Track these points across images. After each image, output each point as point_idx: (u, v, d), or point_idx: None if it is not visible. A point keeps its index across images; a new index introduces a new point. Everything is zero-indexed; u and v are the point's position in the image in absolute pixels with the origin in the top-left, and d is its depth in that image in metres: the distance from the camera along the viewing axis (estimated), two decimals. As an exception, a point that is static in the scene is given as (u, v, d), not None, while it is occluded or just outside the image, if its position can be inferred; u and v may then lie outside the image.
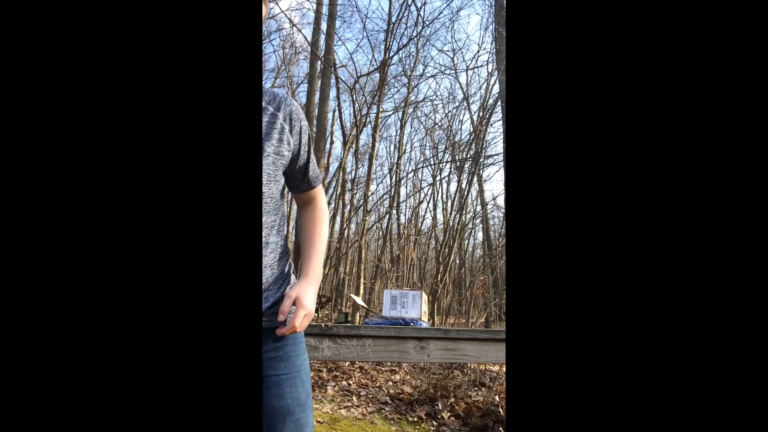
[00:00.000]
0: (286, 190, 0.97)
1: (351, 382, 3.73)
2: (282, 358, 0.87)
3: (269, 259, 0.87)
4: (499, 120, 6.47)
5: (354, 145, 6.18)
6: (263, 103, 0.85)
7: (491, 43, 6.47)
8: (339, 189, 6.94)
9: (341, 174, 6.78)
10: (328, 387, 3.51)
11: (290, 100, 0.89)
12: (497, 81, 5.91)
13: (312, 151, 0.95)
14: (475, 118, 6.72)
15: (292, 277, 0.95)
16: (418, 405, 3.06)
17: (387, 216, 7.44)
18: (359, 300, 3.22)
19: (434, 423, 2.83)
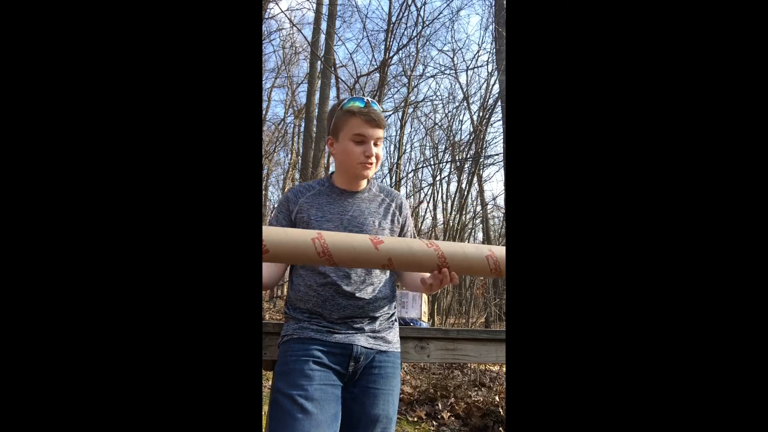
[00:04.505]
0: None
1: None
2: (383, 376, 1.03)
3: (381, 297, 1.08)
4: (499, 120, 6.46)
5: (354, 145, 6.13)
6: (382, 195, 1.16)
7: (491, 43, 6.47)
8: (339, 189, 6.88)
9: (341, 174, 6.72)
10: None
11: (401, 196, 1.21)
12: (497, 81, 5.90)
13: (415, 231, 1.26)
14: (475, 118, 6.72)
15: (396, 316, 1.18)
16: (418, 405, 3.06)
17: (387, 216, 7.36)
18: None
19: (434, 423, 2.83)
